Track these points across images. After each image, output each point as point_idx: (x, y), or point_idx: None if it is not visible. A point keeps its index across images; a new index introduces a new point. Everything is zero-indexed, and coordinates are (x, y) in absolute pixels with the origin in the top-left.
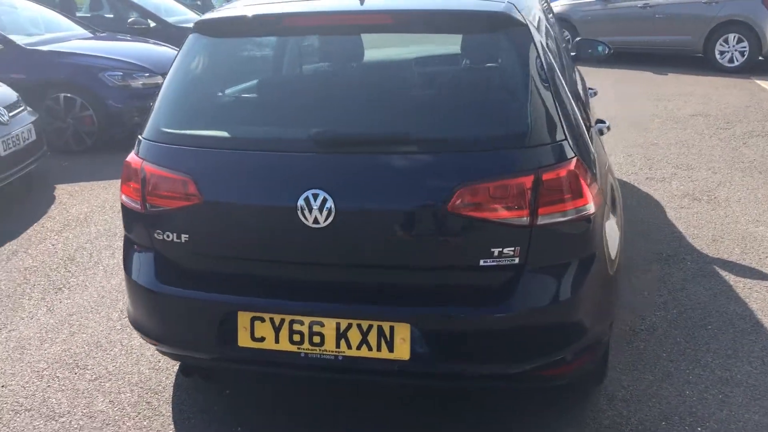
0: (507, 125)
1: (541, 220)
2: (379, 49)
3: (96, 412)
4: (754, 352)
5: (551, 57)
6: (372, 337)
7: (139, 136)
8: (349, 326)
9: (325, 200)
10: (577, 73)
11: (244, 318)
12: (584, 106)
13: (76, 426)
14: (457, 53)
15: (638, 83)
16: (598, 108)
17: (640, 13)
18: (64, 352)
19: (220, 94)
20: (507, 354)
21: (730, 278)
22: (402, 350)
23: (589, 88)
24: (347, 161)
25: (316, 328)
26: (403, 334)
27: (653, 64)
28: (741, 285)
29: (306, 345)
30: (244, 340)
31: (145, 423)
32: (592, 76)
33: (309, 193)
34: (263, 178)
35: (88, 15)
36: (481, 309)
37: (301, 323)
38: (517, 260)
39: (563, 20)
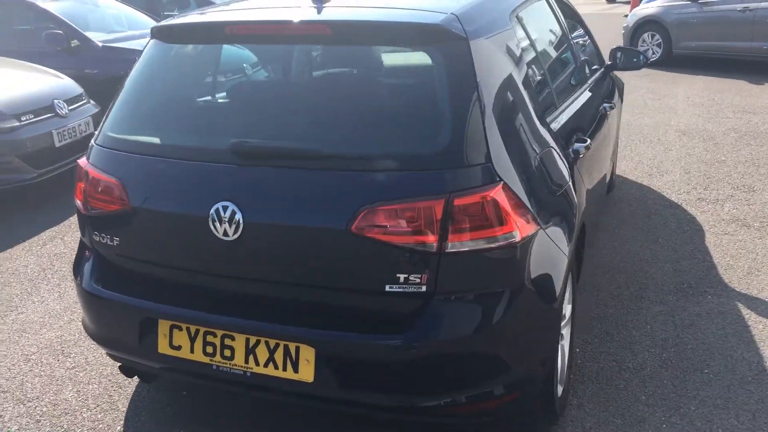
0: (422, 145)
1: (452, 248)
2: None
3: (61, 400)
4: (747, 405)
5: (503, 73)
6: (278, 356)
7: (92, 140)
8: (258, 343)
9: (234, 213)
10: (586, 86)
11: (164, 325)
12: (579, 124)
13: (39, 412)
14: (394, 67)
15: (727, 93)
16: (673, 117)
17: (739, 17)
18: (57, 339)
19: (161, 100)
20: (415, 386)
21: (751, 318)
22: (306, 372)
23: (605, 102)
24: (258, 174)
25: (227, 342)
26: (307, 355)
27: (750, 73)
28: (760, 326)
29: (218, 357)
30: (163, 347)
31: (99, 416)
32: (681, 83)
33: (219, 205)
34: (181, 187)
35: (176, 14)
36: (384, 336)
37: (214, 335)
38: (424, 288)
39: (655, 23)
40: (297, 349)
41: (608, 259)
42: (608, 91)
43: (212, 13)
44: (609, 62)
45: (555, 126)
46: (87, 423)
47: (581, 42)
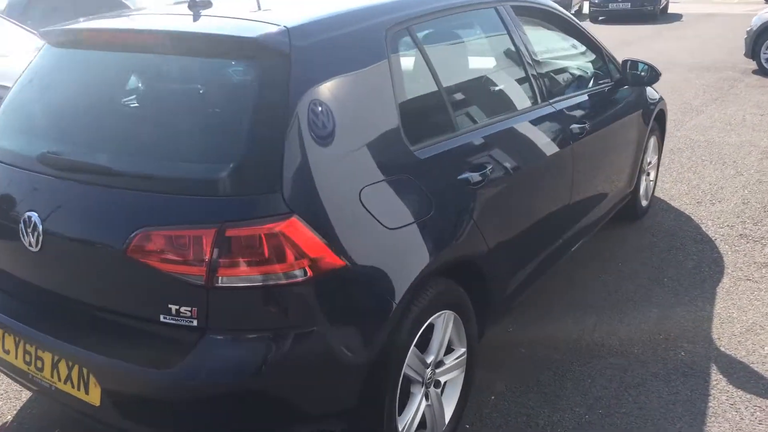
0: (208, 168)
1: (224, 282)
2: None
3: None
4: None
5: (345, 93)
6: (74, 375)
7: None
8: (60, 359)
9: (36, 224)
10: (544, 106)
11: None
12: (496, 149)
13: None
14: (213, 82)
15: None
16: (766, 137)
17: None
18: None
19: (26, 106)
20: (189, 425)
21: (718, 384)
22: (94, 395)
23: (576, 123)
24: (58, 186)
25: (39, 353)
26: (95, 378)
27: None
28: (723, 397)
29: (33, 368)
30: None
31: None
32: None
33: (26, 215)
34: (6, 194)
35: None
36: (154, 371)
37: (31, 345)
38: (195, 322)
39: None
40: (87, 371)
41: (590, 297)
42: (599, 111)
43: (88, 21)
44: (619, 77)
45: (437, 152)
46: None
47: (557, 55)
